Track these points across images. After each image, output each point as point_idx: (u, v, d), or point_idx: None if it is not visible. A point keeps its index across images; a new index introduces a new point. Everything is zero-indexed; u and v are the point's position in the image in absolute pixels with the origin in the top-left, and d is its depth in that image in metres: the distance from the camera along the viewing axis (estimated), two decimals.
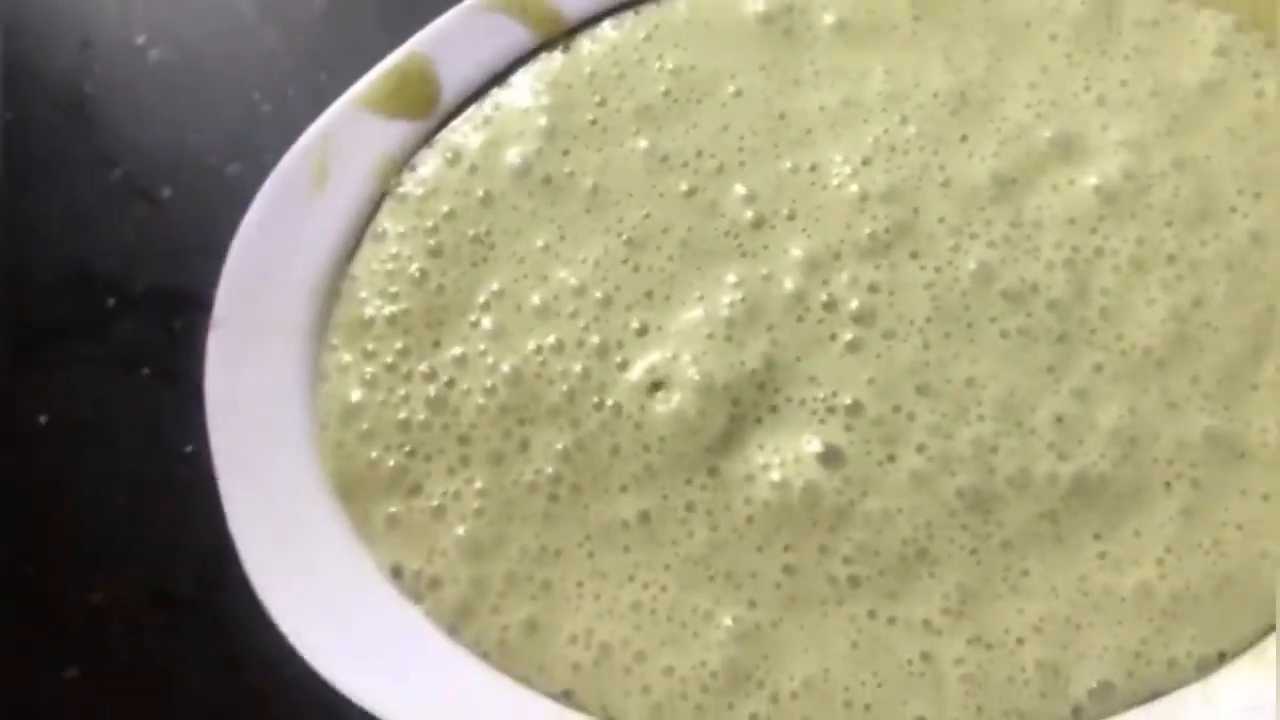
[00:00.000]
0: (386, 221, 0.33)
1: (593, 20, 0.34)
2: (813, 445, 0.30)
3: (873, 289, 0.30)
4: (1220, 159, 0.30)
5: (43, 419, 0.36)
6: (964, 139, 0.31)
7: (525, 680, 0.30)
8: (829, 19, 0.33)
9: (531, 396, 0.31)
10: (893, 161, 0.31)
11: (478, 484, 0.31)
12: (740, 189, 0.32)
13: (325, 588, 0.30)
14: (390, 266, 0.33)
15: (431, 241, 0.33)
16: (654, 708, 0.29)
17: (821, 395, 0.30)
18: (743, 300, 0.31)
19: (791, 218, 0.31)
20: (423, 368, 0.32)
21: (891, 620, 0.29)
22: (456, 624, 0.30)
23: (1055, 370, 0.29)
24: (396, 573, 0.31)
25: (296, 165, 0.33)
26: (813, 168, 0.32)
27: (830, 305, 0.30)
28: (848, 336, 0.30)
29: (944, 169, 0.31)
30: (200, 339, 0.32)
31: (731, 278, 0.31)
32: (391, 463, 0.31)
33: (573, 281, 0.32)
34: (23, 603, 0.35)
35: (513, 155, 0.33)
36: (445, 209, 0.33)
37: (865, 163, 0.31)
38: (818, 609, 0.29)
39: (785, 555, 0.29)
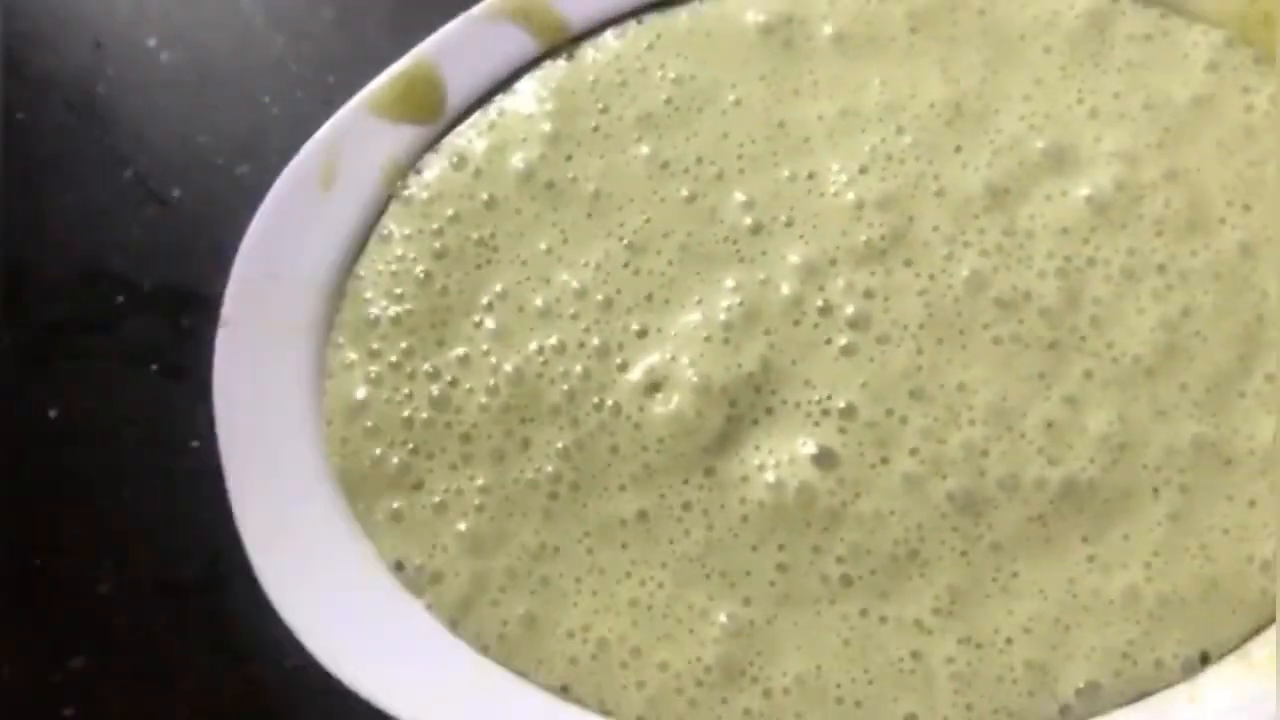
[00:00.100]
0: (392, 224, 0.33)
1: (596, 29, 0.34)
2: (807, 447, 0.30)
3: (868, 295, 0.30)
4: (1210, 171, 0.30)
5: (53, 412, 0.36)
6: (959, 149, 0.31)
7: (524, 673, 0.30)
8: (828, 31, 0.33)
9: (533, 396, 0.31)
10: (889, 170, 0.31)
11: (479, 481, 0.31)
12: (739, 196, 0.32)
13: (329, 580, 0.30)
14: (396, 268, 0.33)
15: (436, 244, 0.33)
16: (649, 702, 0.29)
17: (816, 398, 0.30)
18: (740, 304, 0.31)
19: (789, 224, 0.31)
20: (426, 367, 0.32)
21: (883, 619, 0.29)
22: (457, 617, 0.30)
23: (1046, 377, 0.30)
24: (399, 567, 0.31)
25: (305, 167, 0.33)
26: (810, 176, 0.32)
27: (826, 310, 0.31)
28: (843, 341, 0.30)
29: (939, 178, 0.31)
30: (207, 336, 0.32)
31: (730, 282, 0.31)
32: (395, 459, 0.31)
33: (574, 284, 0.32)
34: (31, 592, 0.35)
35: (517, 160, 0.33)
36: (450, 212, 0.33)
37: (862, 171, 0.31)
38: (811, 607, 0.29)
39: (779, 554, 0.29)
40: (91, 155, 0.38)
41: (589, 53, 0.34)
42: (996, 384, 0.30)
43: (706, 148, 0.32)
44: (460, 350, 0.32)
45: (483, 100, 0.34)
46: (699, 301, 0.31)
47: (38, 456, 0.36)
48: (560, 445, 0.31)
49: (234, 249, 0.33)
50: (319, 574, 0.30)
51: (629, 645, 0.30)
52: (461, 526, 0.31)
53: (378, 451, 0.32)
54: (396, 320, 0.32)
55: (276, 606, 0.30)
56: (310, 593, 0.30)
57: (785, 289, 0.31)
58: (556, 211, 0.32)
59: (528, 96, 0.34)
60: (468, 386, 0.32)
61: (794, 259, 0.31)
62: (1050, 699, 0.28)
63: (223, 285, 0.32)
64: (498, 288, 0.32)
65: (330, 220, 0.33)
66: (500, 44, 0.34)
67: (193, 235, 0.37)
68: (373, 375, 0.32)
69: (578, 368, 0.31)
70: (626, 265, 0.32)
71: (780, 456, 0.30)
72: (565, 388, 0.31)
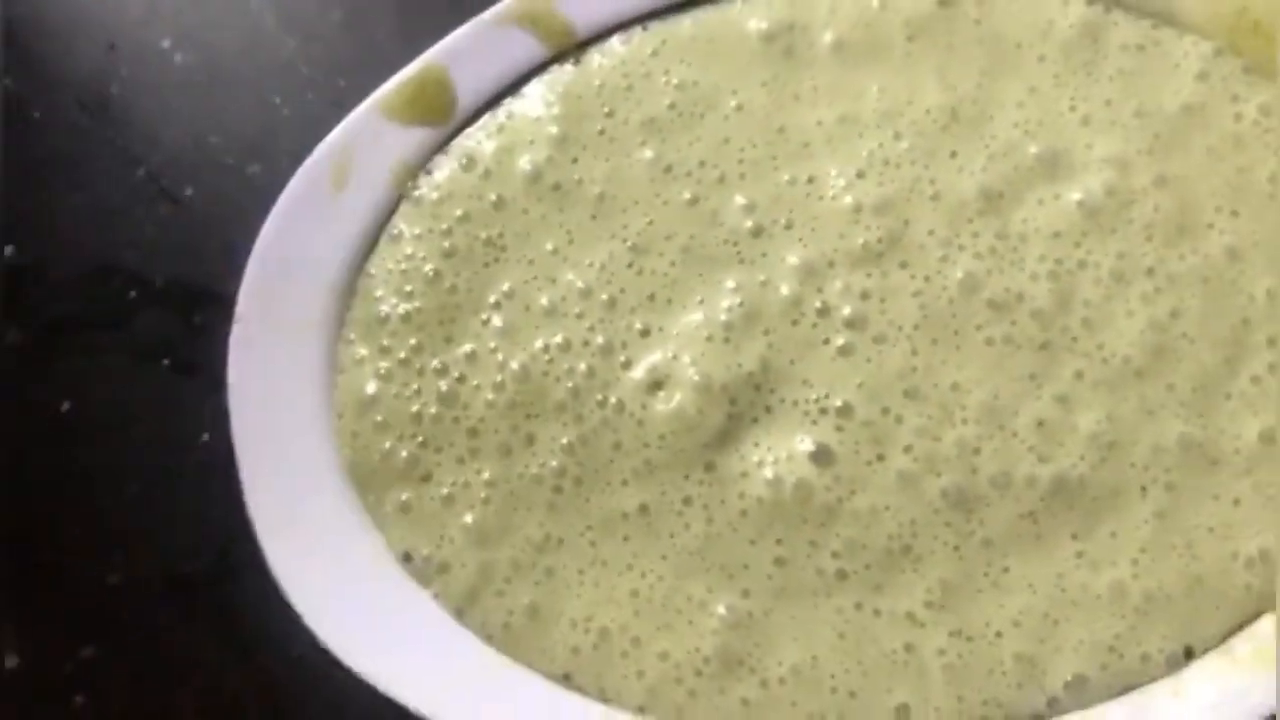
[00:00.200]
0: (402, 223, 0.33)
1: (603, 35, 0.34)
2: (805, 444, 0.30)
3: (864, 296, 0.31)
4: (1199, 178, 0.31)
5: (65, 406, 0.36)
6: (954, 154, 0.32)
7: (527, 662, 0.30)
8: (828, 38, 0.33)
9: (538, 393, 0.31)
10: (886, 175, 0.31)
11: (486, 475, 0.31)
12: (740, 199, 0.32)
13: (338, 570, 0.30)
14: (405, 266, 0.33)
15: (445, 243, 0.33)
16: (649, 690, 0.29)
17: (814, 397, 0.30)
18: (741, 305, 0.31)
19: (789, 227, 0.32)
20: (435, 363, 0.32)
21: (877, 612, 0.29)
22: (463, 607, 0.30)
23: (1037, 377, 0.30)
24: (407, 557, 0.31)
25: (318, 168, 0.33)
26: (810, 180, 0.32)
27: (824, 311, 0.31)
28: (840, 341, 0.31)
29: (934, 183, 0.31)
30: (218, 333, 0.32)
31: (730, 283, 0.31)
32: (404, 453, 0.32)
33: (579, 284, 0.32)
34: (42, 583, 0.35)
35: (524, 162, 0.33)
36: (459, 212, 0.33)
37: (860, 176, 0.32)
38: (807, 600, 0.29)
39: (777, 549, 0.29)
40: (104, 154, 0.39)
41: (595, 58, 0.34)
42: (989, 384, 0.30)
43: (709, 152, 0.33)
44: (468, 347, 0.32)
45: (492, 103, 0.34)
46: (700, 302, 0.31)
47: (49, 450, 0.36)
48: (564, 441, 0.31)
49: (244, 247, 0.33)
50: (329, 564, 0.30)
51: (630, 635, 0.30)
52: (468, 519, 0.31)
53: (387, 445, 0.32)
54: (406, 317, 0.33)
55: (287, 595, 0.30)
56: (320, 582, 0.30)
57: (784, 290, 0.31)
58: (562, 213, 0.33)
59: (535, 100, 0.34)
60: (475, 383, 0.32)
61: (793, 261, 0.31)
62: (1038, 691, 0.28)
63: (234, 282, 0.32)
64: (505, 287, 0.32)
65: (342, 219, 0.33)
66: (509, 49, 0.34)
67: (204, 233, 0.37)
68: (383, 371, 0.32)
69: (582, 365, 0.31)
70: (630, 266, 0.32)
71: (779, 453, 0.30)
72: (570, 385, 0.31)
